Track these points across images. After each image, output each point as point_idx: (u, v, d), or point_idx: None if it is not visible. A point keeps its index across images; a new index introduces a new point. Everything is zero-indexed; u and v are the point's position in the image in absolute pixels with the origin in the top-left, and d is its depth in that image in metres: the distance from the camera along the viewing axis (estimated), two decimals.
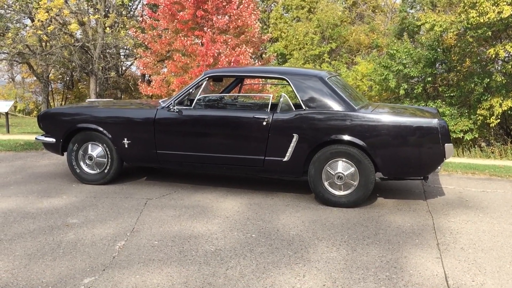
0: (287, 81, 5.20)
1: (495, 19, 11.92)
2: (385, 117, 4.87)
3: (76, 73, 22.76)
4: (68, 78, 26.04)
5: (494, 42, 13.48)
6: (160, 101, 5.68)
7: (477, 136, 13.85)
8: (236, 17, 13.51)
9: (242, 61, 12.83)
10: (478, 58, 14.23)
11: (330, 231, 4.24)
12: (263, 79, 8.30)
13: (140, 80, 20.23)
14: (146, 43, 14.21)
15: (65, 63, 20.82)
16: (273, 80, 7.27)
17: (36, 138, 5.97)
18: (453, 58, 14.61)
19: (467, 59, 14.49)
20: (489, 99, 13.07)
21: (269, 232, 4.19)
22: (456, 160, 8.05)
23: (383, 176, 4.98)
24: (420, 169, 4.83)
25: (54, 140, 5.64)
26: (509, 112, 13.30)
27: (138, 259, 3.58)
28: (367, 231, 4.25)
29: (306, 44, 21.35)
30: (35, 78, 23.46)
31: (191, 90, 5.41)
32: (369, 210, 4.87)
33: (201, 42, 13.17)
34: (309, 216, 4.65)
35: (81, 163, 5.61)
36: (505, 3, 11.62)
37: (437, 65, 15.12)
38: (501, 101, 12.60)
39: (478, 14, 12.23)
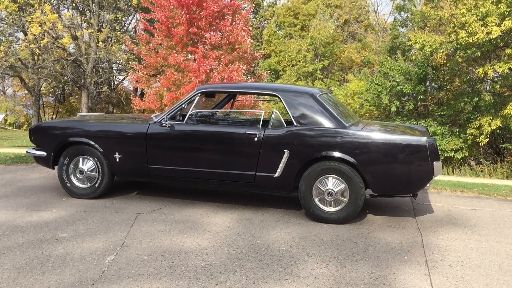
0: (279, 98, 5.26)
1: (484, 39, 12.13)
2: (375, 134, 4.93)
3: (68, 87, 22.76)
4: (59, 92, 26.02)
5: (483, 62, 13.69)
6: (152, 116, 5.71)
7: (467, 155, 13.99)
8: (228, 33, 13.64)
9: (235, 78, 12.91)
10: (468, 77, 14.43)
11: (320, 247, 4.25)
12: (255, 95, 8.36)
13: (132, 94, 20.26)
14: (141, 56, 14.27)
15: (57, 77, 20.82)
16: (265, 96, 7.33)
17: (27, 152, 5.96)
18: (443, 77, 14.82)
19: (457, 78, 14.70)
20: (478, 118, 13.23)
21: (259, 248, 4.20)
22: (445, 178, 8.12)
23: (373, 193, 5.02)
24: (409, 186, 4.88)
25: (45, 153, 5.63)
26: (498, 131, 13.48)
27: (128, 274, 3.58)
28: (357, 248, 4.27)
29: (299, 61, 21.55)
30: (26, 91, 23.44)
31: (183, 106, 5.45)
32: (358, 226, 4.90)
33: (194, 57, 13.26)
34: (299, 232, 4.67)
35: (72, 177, 5.59)
36: (493, 24, 11.84)
37: (427, 83, 15.33)
38: (490, 120, 12.76)
39: (467, 35, 12.44)
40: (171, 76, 12.93)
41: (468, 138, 13.46)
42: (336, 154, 4.87)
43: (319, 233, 4.66)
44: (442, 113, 14.51)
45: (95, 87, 20.18)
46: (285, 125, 5.15)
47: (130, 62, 16.45)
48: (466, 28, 12.46)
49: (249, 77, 16.12)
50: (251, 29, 16.15)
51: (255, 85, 7.11)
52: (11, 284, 3.35)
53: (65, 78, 19.86)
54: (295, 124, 5.07)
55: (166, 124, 5.31)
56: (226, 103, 6.51)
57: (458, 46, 13.11)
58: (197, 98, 5.45)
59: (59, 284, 3.37)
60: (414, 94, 14.78)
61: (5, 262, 3.72)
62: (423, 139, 4.78)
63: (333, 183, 4.92)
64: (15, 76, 21.13)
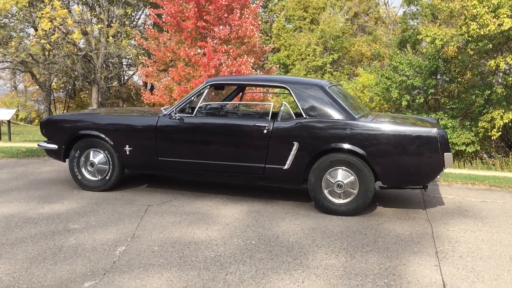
0: (288, 90, 5.25)
1: (495, 31, 12.00)
2: (385, 126, 4.91)
3: (79, 82, 22.88)
4: (70, 87, 26.17)
5: (495, 55, 13.55)
6: (162, 109, 5.73)
7: (479, 148, 13.88)
8: (237, 27, 13.63)
9: (243, 71, 12.90)
10: (479, 70, 14.30)
11: (330, 239, 4.26)
12: (264, 88, 8.36)
13: (142, 88, 20.33)
14: (150, 51, 14.32)
15: (67, 72, 20.92)
16: (274, 88, 7.32)
17: (38, 145, 6.02)
18: (454, 70, 14.69)
19: (468, 71, 14.56)
20: (490, 111, 13.12)
21: (269, 239, 4.21)
22: (456, 171, 8.08)
23: (383, 185, 5.01)
24: (419, 178, 4.86)
25: (56, 146, 5.68)
26: (510, 124, 13.33)
27: (139, 264, 3.61)
28: (366, 239, 4.27)
29: (308, 55, 21.47)
30: (37, 86, 23.60)
31: (192, 98, 5.47)
32: (368, 218, 4.89)
33: (203, 52, 13.27)
34: (308, 223, 4.68)
35: (83, 170, 5.64)
36: (505, 15, 11.71)
37: (438, 76, 15.21)
38: (502, 114, 12.64)
39: (478, 27, 12.31)
40: (181, 70, 12.96)
41: (479, 131, 13.34)
42: (346, 146, 4.86)
43: (329, 224, 4.66)
44: (453, 106, 14.39)
45: (105, 82, 20.26)
46: (295, 117, 5.15)
47: (139, 57, 16.49)
48: (477, 20, 12.33)
49: (258, 71, 16.10)
50: (260, 23, 16.12)
51: (264, 77, 7.10)
52: (24, 274, 3.40)
53: (76, 73, 19.96)
54: (305, 116, 5.06)
55: (176, 116, 5.33)
56: (235, 96, 6.51)
57: (470, 38, 12.98)
58: (206, 90, 5.46)
59: (71, 274, 3.41)
60: (425, 88, 14.68)
61: (18, 252, 3.76)
62: (434, 131, 4.75)
63: (342, 175, 4.92)
64: (26, 71, 21.29)
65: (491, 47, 12.99)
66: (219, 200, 5.44)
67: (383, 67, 17.07)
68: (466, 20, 12.87)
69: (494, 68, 12.98)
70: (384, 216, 4.97)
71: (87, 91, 25.53)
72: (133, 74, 24.53)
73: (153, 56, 14.43)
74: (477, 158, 13.83)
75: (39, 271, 3.45)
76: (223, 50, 13.10)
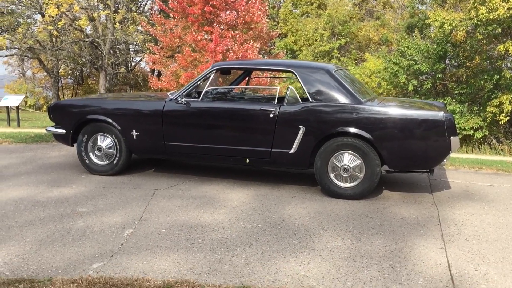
0: (294, 74, 5.24)
1: (504, 15, 11.87)
2: (391, 109, 4.90)
3: (86, 68, 22.94)
4: (78, 74, 26.24)
5: (504, 39, 13.40)
6: (168, 93, 5.74)
7: (487, 133, 13.80)
8: (244, 12, 13.56)
9: (249, 56, 12.87)
10: (488, 55, 14.16)
11: (335, 222, 4.28)
12: (270, 72, 8.32)
13: (150, 74, 20.32)
14: (157, 37, 14.30)
15: (75, 59, 20.97)
16: (280, 73, 7.30)
17: (46, 129, 6.06)
18: (463, 55, 14.56)
19: (477, 56, 14.42)
20: (498, 96, 13.01)
21: (275, 222, 4.24)
22: (463, 156, 8.05)
23: (389, 169, 5.01)
24: (426, 161, 4.85)
25: (64, 131, 5.72)
26: None
27: (146, 246, 3.65)
28: (372, 222, 4.28)
29: (316, 40, 21.33)
30: (45, 73, 23.70)
31: (199, 83, 5.47)
32: (374, 202, 4.90)
33: (210, 38, 13.23)
34: (314, 207, 4.70)
35: (91, 154, 5.69)
36: None
37: (446, 61, 15.08)
38: (510, 98, 12.55)
39: (487, 11, 12.18)
40: (188, 55, 12.94)
41: (487, 116, 13.26)
42: (352, 130, 4.85)
43: (335, 208, 4.68)
44: (461, 91, 14.30)
45: (112, 68, 20.29)
46: (301, 101, 5.14)
47: (146, 44, 16.47)
48: (486, 4, 12.19)
49: (265, 57, 16.05)
50: (267, 8, 16.02)
51: (270, 61, 7.09)
52: (33, 255, 3.45)
53: (83, 59, 20.00)
54: (311, 100, 5.05)
55: (182, 101, 5.34)
56: (242, 80, 6.50)
57: (479, 22, 12.86)
58: (213, 75, 5.46)
59: (79, 256, 3.46)
60: (433, 73, 14.57)
61: (27, 235, 3.82)
62: (441, 114, 4.73)
63: (348, 159, 4.92)
64: (34, 58, 21.36)
65: (500, 31, 12.86)
66: (225, 184, 5.46)
67: (391, 53, 16.94)
68: (475, 4, 12.74)
69: (503, 52, 12.85)
70: (390, 200, 4.97)
71: (94, 78, 25.59)
72: (140, 60, 24.55)
73: (160, 42, 14.42)
74: (485, 143, 13.77)
75: (48, 252, 3.50)
76: (230, 36, 13.05)
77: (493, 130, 14.37)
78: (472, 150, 12.33)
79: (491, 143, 14.03)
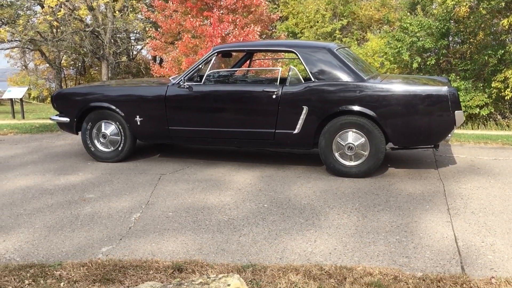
0: (296, 54, 5.21)
1: None
2: (394, 86, 4.87)
3: (88, 58, 22.91)
4: (80, 64, 26.22)
5: (507, 13, 13.23)
6: (170, 78, 5.73)
7: (492, 110, 13.71)
8: None
9: (250, 41, 12.79)
10: (492, 30, 14.00)
11: (341, 200, 4.29)
12: (272, 53, 8.27)
13: (152, 62, 20.30)
14: (158, 23, 14.25)
15: (76, 49, 20.96)
16: (282, 53, 7.26)
17: (50, 118, 6.09)
18: (466, 30, 14.40)
19: (480, 31, 14.26)
20: (503, 71, 12.89)
21: (281, 202, 4.26)
22: (469, 132, 8.02)
23: (394, 146, 5.00)
24: (430, 137, 4.84)
25: (68, 119, 5.74)
26: None
27: (154, 229, 3.68)
28: (378, 199, 4.29)
29: (317, 21, 21.15)
30: (47, 64, 23.69)
31: (200, 66, 5.46)
32: (380, 179, 4.91)
33: (209, 22, 13.16)
34: (320, 186, 4.71)
35: (96, 142, 5.71)
36: None
37: (449, 37, 14.94)
38: None
39: None
40: (188, 41, 12.89)
41: (492, 92, 13.15)
42: (356, 108, 4.84)
43: (340, 186, 4.69)
44: (465, 67, 14.17)
45: (114, 57, 20.27)
46: (303, 81, 5.12)
47: (147, 30, 16.39)
48: None
49: (266, 40, 15.92)
50: None
51: (271, 42, 7.06)
52: (42, 241, 3.49)
53: (84, 49, 19.98)
54: (313, 80, 5.03)
55: (184, 85, 5.33)
56: (243, 63, 6.48)
57: None
58: (214, 58, 5.44)
59: (88, 240, 3.50)
60: (436, 50, 14.44)
61: (36, 221, 3.86)
62: (444, 89, 4.71)
63: (353, 137, 4.91)
64: (35, 49, 21.36)
65: (504, 5, 12.68)
66: (231, 167, 5.48)
67: (395, 30, 16.77)
68: None
69: (507, 27, 12.69)
70: (396, 177, 4.98)
71: (96, 68, 25.56)
72: (142, 48, 24.49)
73: (160, 28, 14.36)
74: (491, 119, 13.69)
75: (57, 238, 3.54)
76: (230, 20, 12.97)
77: (498, 106, 14.27)
78: (478, 127, 12.25)
79: (497, 119, 13.95)
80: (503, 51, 12.80)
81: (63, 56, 22.74)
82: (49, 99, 25.06)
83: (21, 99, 11.49)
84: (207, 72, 5.40)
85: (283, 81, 5.36)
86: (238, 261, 3.14)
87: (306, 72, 5.15)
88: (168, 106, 5.37)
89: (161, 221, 3.86)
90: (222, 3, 13.26)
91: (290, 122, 5.04)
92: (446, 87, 4.74)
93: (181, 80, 5.37)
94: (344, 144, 4.93)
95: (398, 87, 4.86)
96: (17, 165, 5.71)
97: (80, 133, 5.80)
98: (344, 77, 4.95)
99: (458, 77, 14.03)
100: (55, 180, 5.01)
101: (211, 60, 5.43)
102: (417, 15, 15.09)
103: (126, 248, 3.36)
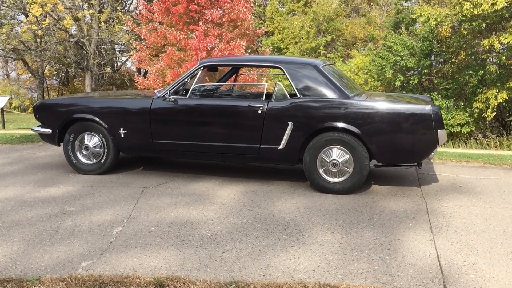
0: (282, 70, 5.24)
1: (489, 10, 11.97)
2: (379, 104, 4.92)
3: (71, 69, 22.71)
4: (63, 74, 25.99)
5: (488, 34, 13.52)
6: (155, 91, 5.71)
7: (473, 129, 13.93)
8: (229, 10, 13.53)
9: (236, 55, 12.85)
10: (473, 50, 14.29)
11: (325, 216, 4.29)
12: (258, 68, 8.31)
13: (136, 74, 20.21)
14: (141, 36, 14.23)
15: (60, 59, 20.76)
16: (268, 69, 7.30)
17: (32, 129, 6.00)
18: (448, 50, 14.67)
19: (462, 51, 14.54)
20: (484, 91, 13.13)
21: (265, 218, 4.23)
22: (450, 150, 8.12)
23: (378, 163, 5.03)
24: (414, 155, 4.88)
25: (50, 130, 5.66)
26: (504, 104, 13.37)
27: (136, 244, 3.63)
28: (361, 216, 4.30)
29: (302, 38, 21.37)
30: (30, 74, 23.42)
31: (186, 80, 5.45)
32: (363, 196, 4.92)
33: (195, 35, 13.19)
34: (304, 202, 4.70)
35: (78, 154, 5.63)
36: None
37: (432, 57, 15.19)
38: (496, 93, 12.67)
39: (472, 6, 12.28)
40: (172, 54, 12.90)
41: (474, 112, 13.38)
42: (340, 124, 4.87)
43: (324, 203, 4.69)
44: (447, 86, 14.40)
45: (98, 68, 20.13)
46: (289, 97, 5.14)
47: (132, 42, 16.35)
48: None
49: (252, 55, 16.01)
50: (253, 5, 16.01)
51: (257, 57, 7.08)
52: (21, 255, 3.41)
53: (68, 60, 19.81)
54: (299, 95, 5.05)
55: (170, 98, 5.31)
56: (229, 77, 6.49)
57: (463, 18, 12.96)
58: (200, 71, 5.43)
59: (68, 254, 3.42)
60: (419, 69, 14.67)
61: (15, 235, 3.77)
62: (428, 108, 4.77)
63: (337, 154, 4.93)
64: (18, 59, 21.10)
65: (484, 26, 12.97)
66: (214, 181, 5.45)
67: (379, 48, 17.02)
68: (460, 0, 12.83)
69: (488, 47, 12.96)
70: (379, 194, 5.00)
71: (80, 78, 25.36)
72: (126, 60, 24.39)
73: (145, 41, 14.34)
74: (472, 138, 13.90)
75: (36, 252, 3.46)
76: (215, 34, 13.01)
77: (479, 125, 14.52)
78: (459, 145, 12.43)
79: (477, 138, 14.17)
80: (483, 72, 13.05)
81: (46, 66, 22.51)
82: (30, 109, 24.74)
83: (1, 109, 11.31)
84: (192, 86, 5.39)
85: (268, 96, 5.37)
86: (221, 278, 3.10)
87: (291, 88, 5.17)
88: (153, 119, 5.33)
89: (143, 235, 3.80)
90: (208, 17, 13.32)
91: (275, 137, 5.05)
92: (430, 106, 4.80)
93: (166, 93, 5.35)
94: (328, 161, 4.95)
95: (382, 105, 4.90)
96: None
97: (62, 144, 5.72)
98: (330, 94, 4.98)
99: (439, 95, 14.26)
100: (35, 192, 4.92)
101: (197, 73, 5.43)
102: (401, 34, 15.34)
103: (107, 263, 3.30)
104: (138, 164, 6.21)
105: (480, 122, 14.47)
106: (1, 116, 11.17)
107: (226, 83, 6.42)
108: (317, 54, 21.23)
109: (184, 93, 5.47)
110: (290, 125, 4.97)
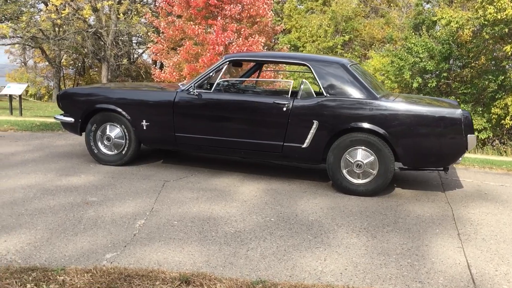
0: (309, 67, 5.16)
1: None
2: (407, 106, 4.83)
3: (88, 59, 22.80)
4: (80, 64, 26.12)
5: (510, 40, 13.33)
6: (179, 84, 5.66)
7: (491, 135, 13.77)
8: (249, 6, 13.47)
9: (255, 51, 12.79)
10: (494, 55, 14.10)
11: (349, 218, 4.22)
12: (284, 65, 8.23)
13: (153, 67, 20.24)
14: (160, 29, 14.22)
15: (77, 49, 20.87)
16: (293, 66, 7.22)
17: (55, 117, 5.98)
18: (468, 54, 14.49)
19: (482, 56, 14.37)
20: (503, 97, 12.96)
21: (288, 217, 4.18)
22: (471, 156, 8.00)
23: (403, 166, 4.95)
24: (441, 159, 4.79)
25: (73, 120, 5.64)
26: None
27: (159, 238, 3.59)
28: (386, 219, 4.22)
29: (319, 36, 21.24)
30: (47, 63, 23.55)
31: (211, 74, 5.39)
32: (387, 199, 4.84)
33: (213, 30, 13.15)
34: (327, 203, 4.64)
35: (99, 144, 5.61)
36: None
37: (451, 61, 15.03)
38: None
39: (495, 10, 12.12)
40: (189, 48, 12.87)
41: (492, 117, 13.21)
42: (366, 125, 4.79)
43: (347, 204, 4.62)
44: (465, 91, 14.24)
45: (115, 59, 20.19)
46: (315, 95, 5.07)
47: (150, 35, 16.36)
48: (494, 3, 12.12)
49: (274, 51, 15.94)
50: (272, 2, 15.93)
51: (284, 54, 6.99)
52: (45, 243, 3.38)
53: (86, 50, 19.89)
54: (325, 94, 4.98)
55: (194, 92, 5.26)
56: (252, 73, 6.42)
57: (486, 22, 12.79)
58: (225, 66, 5.38)
59: (92, 245, 3.39)
60: (437, 72, 14.51)
61: (38, 223, 3.75)
62: (458, 112, 4.67)
63: (362, 155, 4.85)
64: (36, 47, 21.24)
65: (507, 31, 12.78)
66: (235, 177, 5.40)
67: (398, 49, 16.87)
68: (483, 4, 12.67)
69: (510, 53, 12.78)
70: (403, 198, 4.92)
71: (96, 69, 25.46)
72: (143, 52, 24.44)
73: (163, 34, 14.32)
74: (489, 144, 13.74)
75: (60, 241, 3.44)
76: (234, 29, 12.96)
77: (496, 131, 14.34)
78: (475, 151, 12.28)
79: (494, 144, 14.00)
80: (503, 77, 12.88)
81: (63, 55, 22.64)
82: (46, 97, 24.92)
83: (20, 96, 11.35)
84: (217, 80, 5.34)
85: (294, 93, 5.30)
86: (247, 276, 3.05)
87: (318, 86, 5.10)
88: (176, 112, 5.29)
89: (166, 229, 3.76)
90: (227, 12, 13.27)
91: (299, 136, 4.98)
92: (460, 110, 4.71)
93: (191, 86, 5.30)
94: (353, 162, 4.87)
95: (411, 107, 4.81)
96: (18, 162, 5.59)
97: (83, 134, 5.70)
98: (357, 93, 4.90)
99: (458, 100, 14.09)
100: (57, 181, 4.90)
101: (222, 68, 5.37)
102: (421, 36, 15.18)
103: (131, 255, 3.26)
104: (157, 157, 6.18)
105: (498, 129, 14.30)
106: (19, 103, 11.21)
107: (251, 78, 6.35)
108: (334, 53, 21.10)
109: (208, 88, 5.42)
110: (315, 124, 4.90)
